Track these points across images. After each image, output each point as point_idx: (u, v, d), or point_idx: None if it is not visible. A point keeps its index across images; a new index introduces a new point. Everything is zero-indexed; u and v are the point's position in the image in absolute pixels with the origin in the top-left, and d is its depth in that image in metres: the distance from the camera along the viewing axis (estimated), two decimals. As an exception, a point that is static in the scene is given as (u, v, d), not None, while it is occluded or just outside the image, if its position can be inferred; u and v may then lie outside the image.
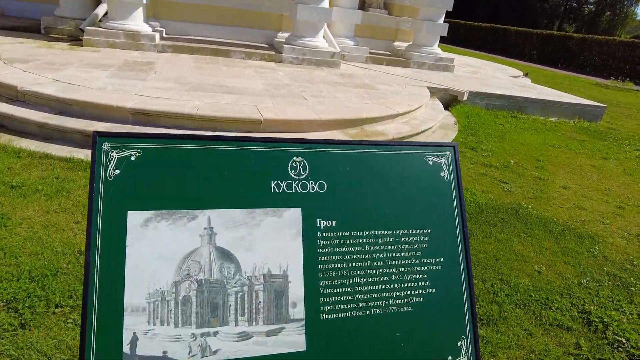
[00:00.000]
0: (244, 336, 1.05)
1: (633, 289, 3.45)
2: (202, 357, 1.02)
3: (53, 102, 5.12)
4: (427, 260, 1.21)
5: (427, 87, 8.30)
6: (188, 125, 5.18)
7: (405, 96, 7.36)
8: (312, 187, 1.15)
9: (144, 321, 1.00)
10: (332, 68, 9.41)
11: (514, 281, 3.36)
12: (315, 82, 7.63)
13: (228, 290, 1.05)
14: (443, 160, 1.28)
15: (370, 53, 11.01)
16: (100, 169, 1.02)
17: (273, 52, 9.41)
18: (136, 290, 1.00)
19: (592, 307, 3.11)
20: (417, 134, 6.49)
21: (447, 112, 8.02)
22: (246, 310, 1.05)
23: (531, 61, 25.35)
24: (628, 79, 19.77)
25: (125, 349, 0.98)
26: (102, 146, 1.03)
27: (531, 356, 2.65)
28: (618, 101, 14.03)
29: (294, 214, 1.12)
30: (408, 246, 1.20)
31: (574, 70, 24.17)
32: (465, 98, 8.37)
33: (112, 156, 1.03)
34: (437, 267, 1.22)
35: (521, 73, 13.75)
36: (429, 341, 1.18)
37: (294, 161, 1.14)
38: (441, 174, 1.27)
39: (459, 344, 1.21)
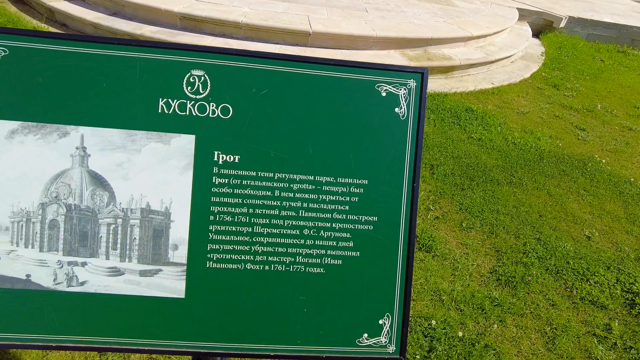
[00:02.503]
0: (115, 272, 0.93)
1: None
2: (67, 287, 0.93)
3: (107, 2, 5.12)
4: (355, 218, 0.96)
5: (517, 9, 7.09)
6: (235, 34, 4.96)
7: (486, 17, 6.37)
8: (213, 110, 0.92)
9: (7, 241, 0.92)
10: (410, -22, 8.34)
11: (553, 243, 2.95)
12: (384, -6, 6.82)
13: (100, 221, 0.92)
14: (402, 92, 0.96)
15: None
16: (-41, 67, 0.88)
17: (346, -42, 8.50)
18: (-2, 207, 0.90)
19: (641, 287, 2.65)
20: (491, 62, 5.69)
21: (535, 41, 6.88)
22: (119, 245, 0.92)
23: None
24: None
25: (-15, 266, 0.92)
26: (-37, 39, 0.88)
27: (545, 329, 2.36)
28: None
29: (184, 142, 0.91)
30: (332, 197, 0.95)
31: None
32: (562, 25, 7.07)
33: (-26, 53, 0.88)
34: (366, 227, 0.97)
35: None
36: (340, 311, 0.98)
37: (192, 75, 0.91)
38: (397, 109, 0.96)
39: (380, 322, 1.00)
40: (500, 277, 2.64)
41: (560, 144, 4.22)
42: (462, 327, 2.29)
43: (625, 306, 2.57)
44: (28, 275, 0.92)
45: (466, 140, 4.11)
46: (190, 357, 1.17)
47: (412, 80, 0.96)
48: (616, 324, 2.43)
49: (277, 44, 4.90)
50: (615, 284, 2.71)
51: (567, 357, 2.23)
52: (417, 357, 2.08)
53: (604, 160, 4.03)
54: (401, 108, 0.96)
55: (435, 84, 5.10)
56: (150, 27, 4.93)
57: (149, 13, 5.01)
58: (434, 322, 2.26)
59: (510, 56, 5.97)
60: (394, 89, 0.96)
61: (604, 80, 5.94)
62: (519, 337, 2.31)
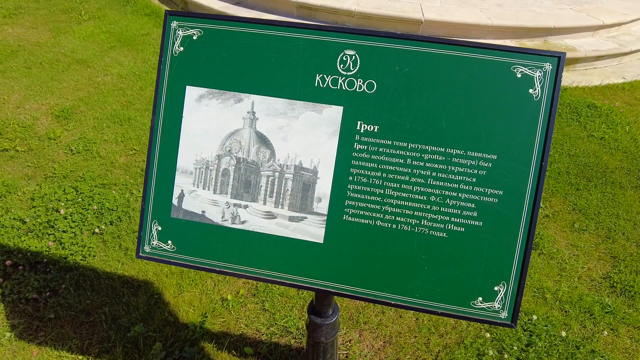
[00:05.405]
0: (269, 215, 1.13)
1: None
2: (232, 223, 1.15)
3: (233, -9, 5.60)
4: (481, 190, 1.03)
5: (664, -8, 6.20)
6: (347, 23, 5.12)
7: (624, 1, 5.70)
8: (360, 85, 1.05)
9: (190, 182, 1.16)
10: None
11: (686, 256, 2.65)
12: (503, -20, 6.44)
13: (261, 172, 1.12)
14: (537, 74, 1.00)
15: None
16: (168, 46, 1.13)
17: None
18: (186, 156, 1.15)
19: None
20: (624, 54, 5.12)
21: (684, 29, 5.96)
22: (274, 194, 1.11)
23: None
24: None
25: (174, 201, 1.17)
26: (171, 24, 1.12)
27: (666, 344, 2.17)
28: None
29: (333, 113, 1.06)
30: (460, 169, 1.03)
31: None
32: None
33: (178, 34, 1.12)
34: (491, 200, 1.03)
35: None
36: (458, 274, 1.07)
37: (344, 54, 1.05)
38: (530, 90, 1.00)
39: (495, 288, 1.06)
40: (614, 284, 2.47)
41: None
42: (566, 327, 2.21)
43: None
44: (203, 211, 1.17)
45: (585, 138, 3.80)
46: (313, 293, 1.35)
47: (548, 63, 1.00)
48: None
49: (388, 31, 4.95)
50: None
51: (690, 379, 2.04)
52: (514, 348, 2.07)
53: None
54: (535, 89, 1.00)
55: (554, 76, 4.74)
56: (269, 15, 5.30)
57: (268, 2, 5.40)
58: (535, 317, 2.22)
59: (649, 47, 5.29)
60: (530, 71, 1.00)
61: None
62: (634, 350, 2.15)
